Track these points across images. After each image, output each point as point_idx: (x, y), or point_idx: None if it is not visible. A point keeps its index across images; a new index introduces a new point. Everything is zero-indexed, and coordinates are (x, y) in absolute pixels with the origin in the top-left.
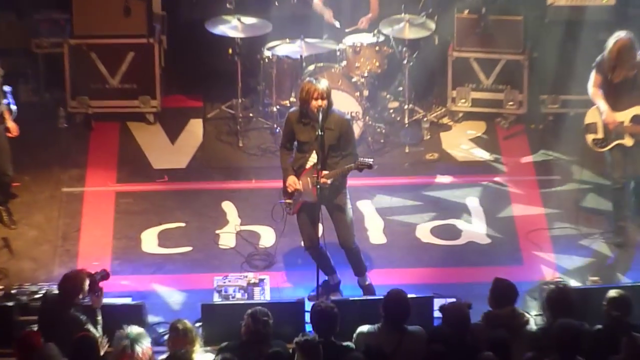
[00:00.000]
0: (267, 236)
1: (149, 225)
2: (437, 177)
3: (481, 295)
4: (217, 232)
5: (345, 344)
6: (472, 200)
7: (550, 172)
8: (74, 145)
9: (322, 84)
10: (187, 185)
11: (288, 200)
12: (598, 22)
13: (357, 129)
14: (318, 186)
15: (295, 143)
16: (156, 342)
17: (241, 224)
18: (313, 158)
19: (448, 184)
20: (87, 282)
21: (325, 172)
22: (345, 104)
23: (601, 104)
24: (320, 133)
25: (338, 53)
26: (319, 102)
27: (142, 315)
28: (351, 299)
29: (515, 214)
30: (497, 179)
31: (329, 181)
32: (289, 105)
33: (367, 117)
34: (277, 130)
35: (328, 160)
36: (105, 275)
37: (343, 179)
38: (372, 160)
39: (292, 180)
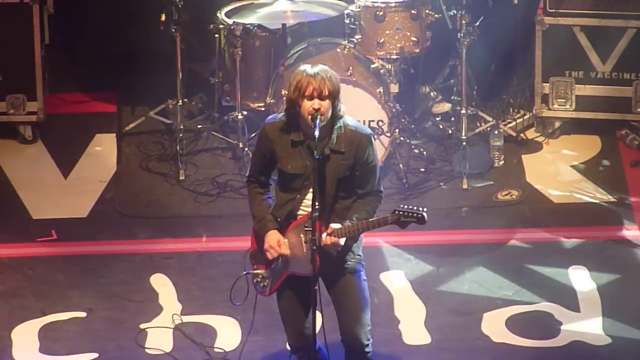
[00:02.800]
0: (226, 333)
1: (24, 317)
2: (517, 232)
3: None
4: (141, 326)
5: None
6: (578, 271)
7: None
8: None
9: (323, 74)
10: (89, 248)
11: (261, 271)
12: None
13: (380, 149)
14: (314, 247)
15: (277, 175)
16: None
17: (182, 313)
18: (308, 201)
19: (536, 243)
20: None
21: (334, 227)
22: (360, 107)
23: None
24: (317, 157)
25: (347, 20)
26: (315, 103)
27: None
28: None
29: None
30: (622, 233)
31: (341, 241)
32: (264, 109)
33: (398, 130)
34: (245, 152)
35: (336, 204)
36: None
37: (358, 237)
38: (424, 209)
39: (273, 239)
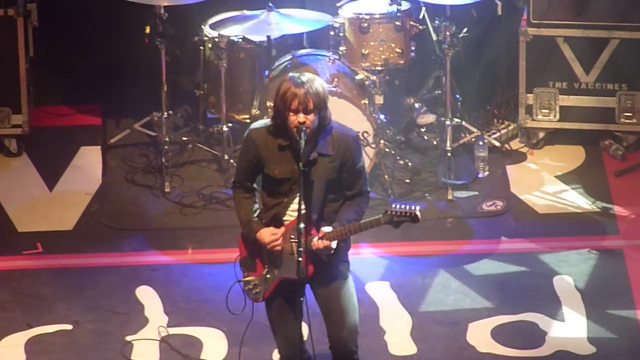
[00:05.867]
0: (213, 344)
1: (10, 330)
2: (501, 242)
3: None
4: (127, 338)
5: None
6: (562, 280)
7: None
8: None
9: (308, 87)
10: (75, 260)
11: (252, 278)
12: None
13: (365, 160)
14: (300, 259)
15: (262, 181)
16: None
17: (168, 325)
18: (296, 205)
19: (521, 253)
20: None
21: (326, 230)
22: (345, 118)
23: None
24: (302, 169)
25: (332, 33)
26: (300, 117)
27: None
28: None
29: (639, 304)
30: (605, 243)
31: (333, 244)
32: (249, 121)
33: (382, 141)
34: (230, 164)
35: (325, 208)
36: None
37: (348, 241)
38: (417, 207)
39: (267, 234)
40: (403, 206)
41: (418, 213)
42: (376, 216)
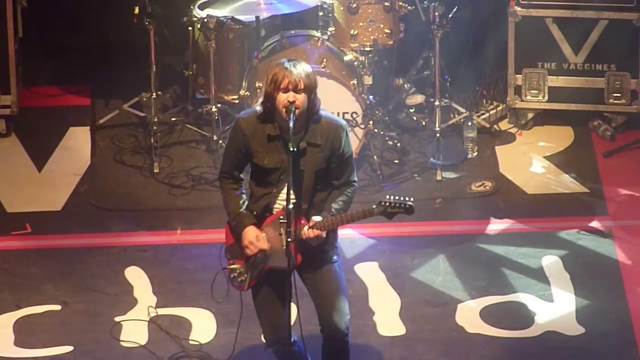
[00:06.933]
0: (202, 326)
1: None
2: (490, 223)
3: None
4: (116, 319)
5: None
6: (551, 261)
7: None
8: None
9: (299, 68)
10: (64, 241)
11: (237, 266)
12: None
13: (354, 141)
14: (289, 240)
15: (250, 170)
16: None
17: (157, 306)
18: (285, 195)
19: (510, 234)
20: None
21: (316, 219)
22: (333, 99)
23: None
24: (292, 149)
25: (321, 13)
26: (290, 95)
27: None
28: None
29: (628, 285)
30: (594, 224)
31: (323, 234)
32: (237, 102)
33: (372, 122)
34: (219, 145)
35: (314, 197)
36: None
37: (336, 229)
38: (411, 199)
39: (251, 234)
40: (397, 197)
41: (413, 205)
42: (369, 207)
